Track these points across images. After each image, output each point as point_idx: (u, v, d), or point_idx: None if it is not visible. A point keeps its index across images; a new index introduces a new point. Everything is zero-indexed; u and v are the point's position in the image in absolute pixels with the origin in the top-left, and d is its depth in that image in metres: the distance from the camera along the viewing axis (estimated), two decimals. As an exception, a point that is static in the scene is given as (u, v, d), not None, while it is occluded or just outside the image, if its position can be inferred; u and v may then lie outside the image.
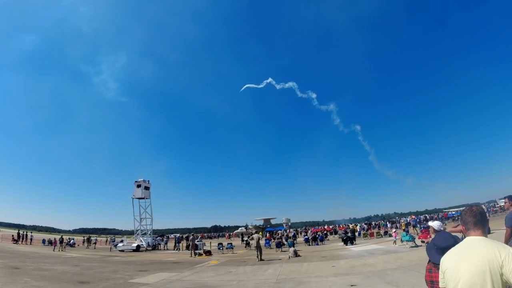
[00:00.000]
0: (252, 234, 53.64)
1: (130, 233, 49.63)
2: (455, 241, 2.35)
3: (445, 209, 65.90)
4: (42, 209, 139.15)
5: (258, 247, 16.62)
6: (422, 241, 17.60)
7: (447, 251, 2.33)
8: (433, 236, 5.38)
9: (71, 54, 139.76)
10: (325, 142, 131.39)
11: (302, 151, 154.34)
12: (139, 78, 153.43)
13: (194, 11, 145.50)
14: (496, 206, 47.04)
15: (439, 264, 2.35)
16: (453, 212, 51.86)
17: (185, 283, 10.54)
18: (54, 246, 28.63)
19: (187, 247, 26.07)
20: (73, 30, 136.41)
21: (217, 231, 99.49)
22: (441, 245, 2.34)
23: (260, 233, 21.54)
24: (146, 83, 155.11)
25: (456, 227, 6.03)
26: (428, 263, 2.56)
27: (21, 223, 76.50)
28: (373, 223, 55.03)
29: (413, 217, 52.79)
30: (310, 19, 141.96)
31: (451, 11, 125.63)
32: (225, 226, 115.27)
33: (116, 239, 42.73)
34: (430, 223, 5.52)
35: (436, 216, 50.31)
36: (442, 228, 5.25)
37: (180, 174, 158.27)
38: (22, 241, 34.72)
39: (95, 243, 37.39)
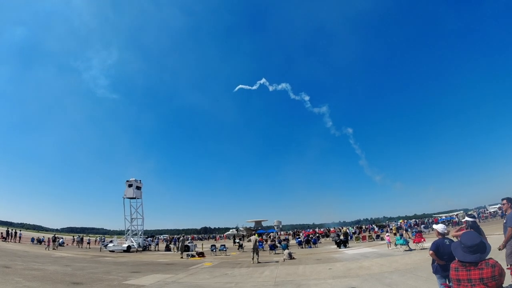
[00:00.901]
0: (243, 236, 53.60)
1: (119, 233, 48.86)
2: (482, 240, 2.39)
3: (434, 214, 66.99)
4: (30, 207, 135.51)
5: (255, 249, 16.51)
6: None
7: (474, 249, 2.37)
8: (436, 238, 5.48)
9: (60, 48, 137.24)
10: (316, 144, 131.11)
11: (293, 154, 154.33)
12: (130, 75, 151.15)
13: (188, 9, 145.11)
14: (486, 212, 48.05)
15: (466, 262, 2.39)
16: (443, 217, 52.79)
17: (181, 285, 10.38)
18: (48, 245, 28.43)
19: (178, 249, 25.83)
20: (64, 23, 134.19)
21: (207, 232, 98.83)
22: (468, 244, 2.37)
23: (256, 235, 21.52)
24: (137, 80, 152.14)
25: (458, 231, 6.13)
26: (453, 262, 2.59)
27: (9, 220, 74.64)
28: (363, 226, 55.62)
29: (404, 221, 53.58)
30: (303, 20, 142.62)
31: (443, 13, 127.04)
32: (215, 228, 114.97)
33: (105, 239, 41.95)
34: (435, 226, 5.62)
35: (426, 221, 51.09)
36: (445, 231, 5.35)
37: (169, 174, 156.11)
38: (10, 239, 34.11)
39: (88, 243, 36.73)
